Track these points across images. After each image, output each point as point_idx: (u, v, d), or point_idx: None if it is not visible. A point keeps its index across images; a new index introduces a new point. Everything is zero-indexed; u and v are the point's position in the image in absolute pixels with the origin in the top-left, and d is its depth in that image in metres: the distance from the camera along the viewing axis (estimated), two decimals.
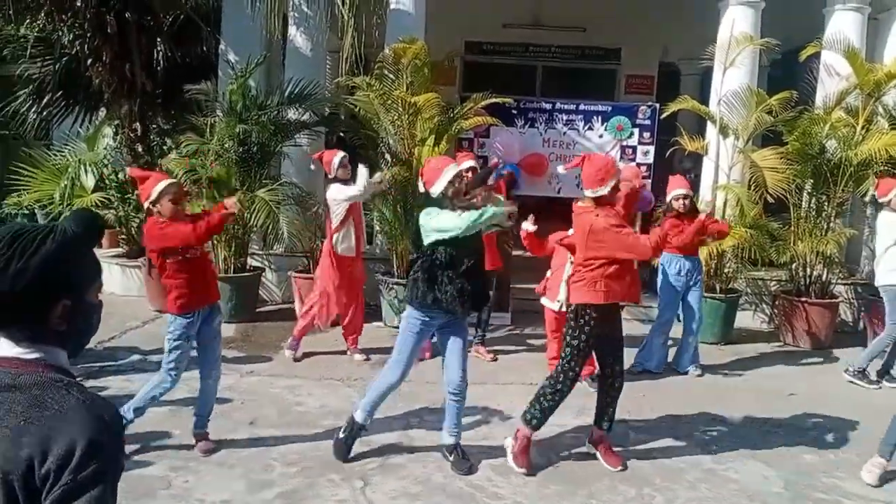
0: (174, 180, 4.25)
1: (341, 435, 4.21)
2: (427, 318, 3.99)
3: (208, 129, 6.84)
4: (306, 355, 6.10)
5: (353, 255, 5.93)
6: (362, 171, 5.72)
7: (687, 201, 5.71)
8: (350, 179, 5.86)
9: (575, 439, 4.55)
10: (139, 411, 4.16)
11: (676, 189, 5.73)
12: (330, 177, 5.91)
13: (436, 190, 3.90)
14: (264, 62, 7.11)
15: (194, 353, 4.28)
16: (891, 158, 6.40)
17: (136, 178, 4.38)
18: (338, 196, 5.79)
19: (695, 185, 7.89)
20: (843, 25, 7.28)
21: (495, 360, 6.21)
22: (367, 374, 5.60)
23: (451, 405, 4.13)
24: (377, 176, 6.16)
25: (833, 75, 7.10)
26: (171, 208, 4.03)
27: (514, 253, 7.43)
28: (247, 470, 4.04)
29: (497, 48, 11.97)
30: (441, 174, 3.89)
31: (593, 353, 4.27)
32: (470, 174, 5.54)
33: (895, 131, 6.40)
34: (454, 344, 4.07)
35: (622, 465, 4.19)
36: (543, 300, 5.57)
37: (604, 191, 3.99)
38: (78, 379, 4.32)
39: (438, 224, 3.79)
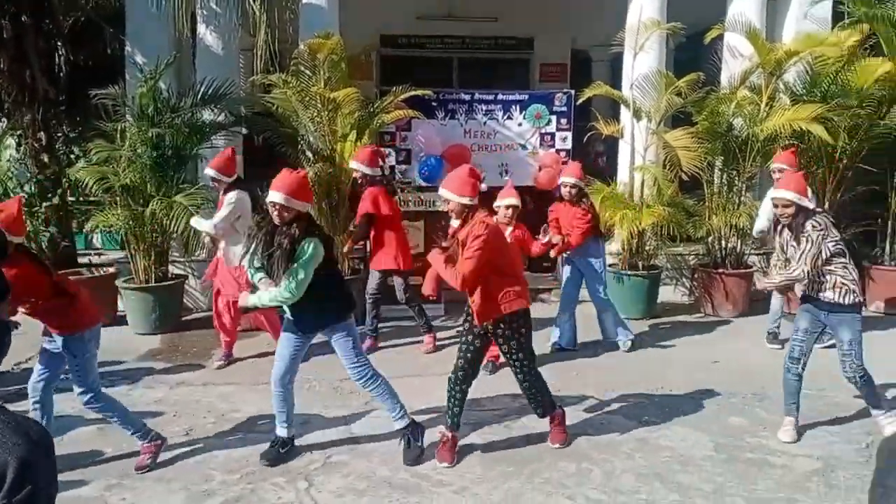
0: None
1: (270, 444, 4.22)
2: (298, 337, 4.12)
3: (118, 135, 6.57)
4: (238, 360, 5.98)
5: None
6: (226, 202, 5.62)
7: (573, 190, 5.78)
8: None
9: (514, 421, 4.64)
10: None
11: (567, 176, 5.82)
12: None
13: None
14: (174, 62, 6.87)
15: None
16: (794, 133, 6.75)
17: None
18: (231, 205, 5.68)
19: (610, 168, 8.15)
20: (744, 7, 7.62)
21: (434, 351, 6.22)
22: (300, 374, 5.52)
23: (373, 396, 4.26)
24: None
25: (736, 56, 7.43)
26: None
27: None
28: (186, 482, 3.93)
29: (412, 41, 11.97)
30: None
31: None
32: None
33: (797, 106, 6.73)
34: (338, 349, 4.15)
35: (562, 442, 4.29)
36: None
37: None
38: None
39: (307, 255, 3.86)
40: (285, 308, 4.02)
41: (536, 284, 7.91)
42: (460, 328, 4.27)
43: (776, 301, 6.20)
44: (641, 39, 6.97)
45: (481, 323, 4.05)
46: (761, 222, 6.28)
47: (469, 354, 4.13)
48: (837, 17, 7.61)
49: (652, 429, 4.56)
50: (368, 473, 4.01)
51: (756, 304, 7.35)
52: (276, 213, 3.82)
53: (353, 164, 6.11)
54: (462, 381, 4.14)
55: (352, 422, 4.71)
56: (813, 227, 4.15)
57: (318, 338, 4.25)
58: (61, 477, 3.82)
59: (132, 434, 4.12)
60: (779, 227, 4.48)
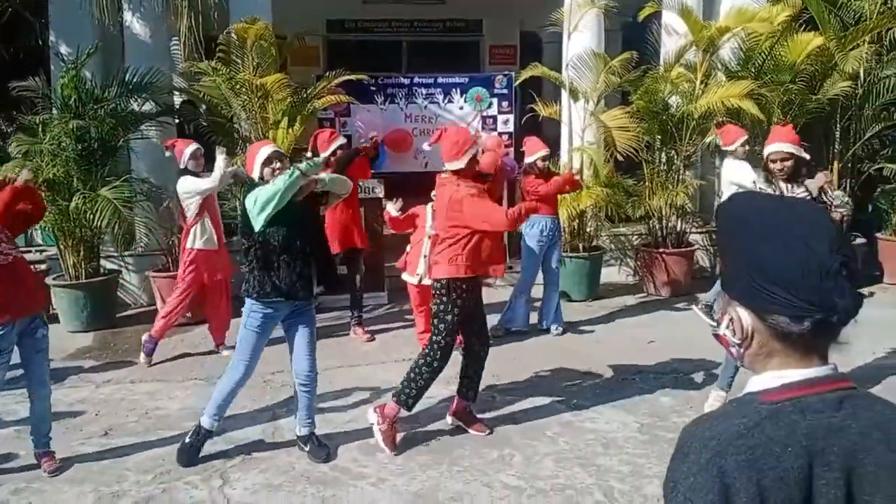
0: None
1: (187, 440, 4.04)
2: (269, 310, 3.85)
3: (40, 128, 6.35)
4: (173, 358, 5.84)
5: (215, 247, 5.71)
6: (220, 162, 5.47)
7: (547, 161, 5.89)
8: (203, 172, 5.61)
9: (441, 408, 4.57)
10: None
11: (539, 150, 5.85)
12: (181, 167, 5.64)
13: (256, 175, 3.78)
14: (97, 51, 6.63)
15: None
16: (728, 110, 6.75)
17: None
18: (189, 189, 5.53)
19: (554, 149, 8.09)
20: None
21: (372, 339, 6.15)
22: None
23: (302, 396, 4.03)
24: (232, 166, 5.91)
25: (672, 34, 7.41)
26: None
27: (386, 232, 7.39)
28: (98, 484, 3.82)
29: (360, 25, 11.80)
30: (255, 157, 3.78)
31: None
32: (338, 153, 5.56)
33: (729, 83, 6.73)
34: (301, 334, 3.97)
35: (489, 430, 4.25)
36: (404, 275, 5.56)
37: (461, 163, 3.98)
38: None
39: (259, 201, 3.64)
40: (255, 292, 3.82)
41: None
42: (440, 308, 4.08)
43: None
44: (575, 19, 6.90)
45: (476, 272, 4.03)
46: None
47: (451, 336, 4.07)
48: None
49: (580, 412, 4.53)
50: (287, 468, 3.93)
51: (697, 282, 7.39)
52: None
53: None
54: (441, 367, 4.09)
55: (279, 416, 4.62)
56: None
57: None
58: None
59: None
60: (771, 186, 4.46)
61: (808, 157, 4.41)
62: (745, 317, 1.13)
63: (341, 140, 5.96)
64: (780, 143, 4.31)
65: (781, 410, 1.07)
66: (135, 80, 6.60)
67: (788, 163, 4.28)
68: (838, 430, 1.05)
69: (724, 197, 6.07)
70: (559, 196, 6.62)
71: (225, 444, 4.21)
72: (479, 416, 4.36)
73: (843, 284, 1.07)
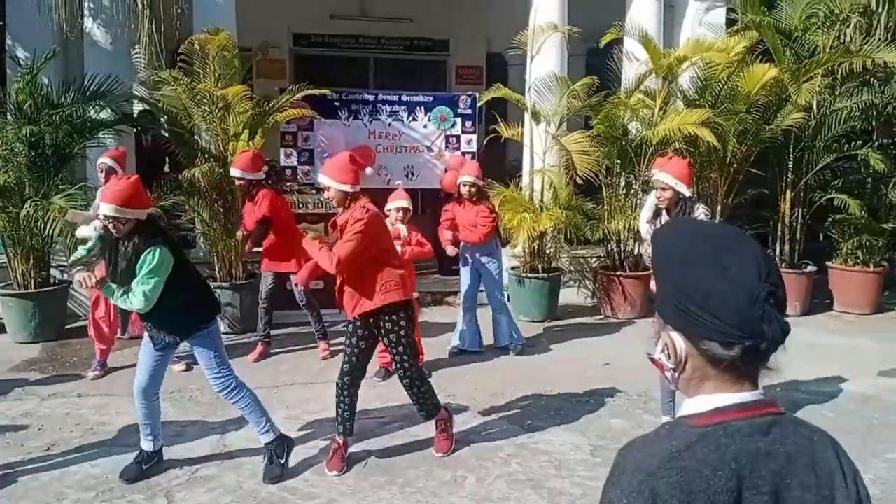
0: None
1: (133, 460, 3.98)
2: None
3: None
4: (117, 369, 5.70)
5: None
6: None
7: (473, 188, 5.77)
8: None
9: (394, 428, 4.55)
10: None
11: (465, 175, 5.80)
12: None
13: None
14: (55, 56, 6.51)
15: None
16: (686, 137, 6.89)
17: None
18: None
19: (516, 170, 8.16)
20: (641, 12, 7.77)
21: (330, 357, 6.08)
22: (184, 384, 5.32)
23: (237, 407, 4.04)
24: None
25: (633, 60, 7.55)
26: None
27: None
28: (36, 501, 3.70)
29: (326, 40, 11.77)
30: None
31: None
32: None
33: (687, 111, 6.87)
34: (198, 353, 3.97)
35: (445, 451, 4.20)
36: None
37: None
38: None
39: None
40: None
41: (445, 287, 7.86)
42: (345, 331, 4.12)
43: None
44: (538, 43, 6.99)
45: (353, 315, 3.96)
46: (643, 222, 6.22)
47: (354, 358, 4.02)
48: (732, 23, 7.83)
49: (534, 434, 4.53)
50: (235, 487, 3.85)
51: (654, 305, 7.46)
52: (111, 226, 3.61)
53: (234, 172, 5.79)
54: (349, 386, 4.02)
55: (228, 432, 4.54)
56: (705, 213, 4.29)
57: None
58: None
59: None
60: (657, 218, 4.53)
61: (687, 193, 4.40)
62: (679, 341, 1.15)
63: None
64: (661, 173, 4.38)
65: (712, 434, 1.09)
66: (93, 86, 6.49)
67: (667, 193, 4.35)
68: (766, 455, 1.08)
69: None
70: (518, 217, 6.69)
71: (172, 460, 4.12)
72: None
73: (771, 312, 1.09)
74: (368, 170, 4.52)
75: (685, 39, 7.89)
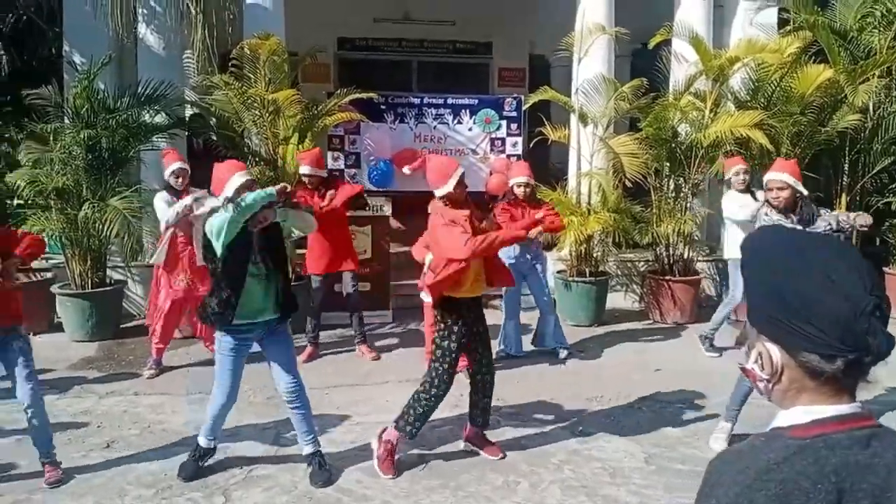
0: None
1: (188, 458, 4.02)
2: (235, 335, 3.80)
3: (51, 137, 6.37)
4: (173, 368, 5.82)
5: (161, 263, 5.73)
6: (185, 200, 5.40)
7: (528, 189, 5.72)
8: (183, 191, 5.63)
9: (448, 433, 4.54)
10: None
11: (518, 176, 5.73)
12: (165, 179, 5.72)
13: (222, 197, 3.66)
14: (110, 62, 6.67)
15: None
16: (738, 139, 6.77)
17: None
18: (157, 208, 5.65)
19: (561, 173, 8.11)
20: (690, 13, 7.67)
21: (378, 358, 6.12)
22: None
23: (294, 413, 3.98)
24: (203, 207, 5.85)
25: (682, 62, 7.44)
26: None
27: (393, 251, 7.40)
28: (98, 497, 3.79)
29: (370, 44, 11.88)
30: (228, 181, 3.68)
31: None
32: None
33: (739, 113, 6.76)
34: (276, 352, 3.93)
35: (501, 453, 4.20)
36: (422, 295, 5.50)
37: (448, 188, 3.96)
38: None
39: (212, 227, 3.60)
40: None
41: (488, 290, 7.82)
42: (439, 334, 4.05)
43: (726, 309, 6.17)
44: (586, 44, 6.94)
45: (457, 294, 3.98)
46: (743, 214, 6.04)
47: (450, 363, 4.02)
48: (784, 23, 7.67)
49: (586, 440, 4.49)
50: (290, 487, 3.89)
51: (705, 310, 7.36)
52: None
53: (304, 169, 5.86)
54: (443, 394, 4.03)
55: (282, 433, 4.58)
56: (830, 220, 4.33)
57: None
58: None
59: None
60: (763, 215, 4.46)
61: (804, 191, 4.41)
62: (775, 352, 1.13)
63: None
64: (775, 172, 4.38)
65: (811, 446, 1.06)
66: (147, 91, 6.63)
67: (784, 193, 4.31)
68: (866, 468, 1.05)
69: (726, 228, 6.11)
70: (566, 220, 6.61)
71: (228, 459, 4.18)
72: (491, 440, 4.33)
73: (877, 325, 1.07)
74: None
75: (736, 40, 7.75)
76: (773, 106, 6.95)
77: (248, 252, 3.69)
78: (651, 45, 7.18)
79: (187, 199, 5.33)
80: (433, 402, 4.04)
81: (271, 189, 3.67)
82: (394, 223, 7.02)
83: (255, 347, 3.96)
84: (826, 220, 4.36)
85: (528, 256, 5.91)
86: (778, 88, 7.00)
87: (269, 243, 3.80)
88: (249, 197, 3.57)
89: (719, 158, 6.87)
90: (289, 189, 3.77)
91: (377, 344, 6.44)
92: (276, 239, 3.88)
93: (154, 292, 5.84)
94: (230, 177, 3.70)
